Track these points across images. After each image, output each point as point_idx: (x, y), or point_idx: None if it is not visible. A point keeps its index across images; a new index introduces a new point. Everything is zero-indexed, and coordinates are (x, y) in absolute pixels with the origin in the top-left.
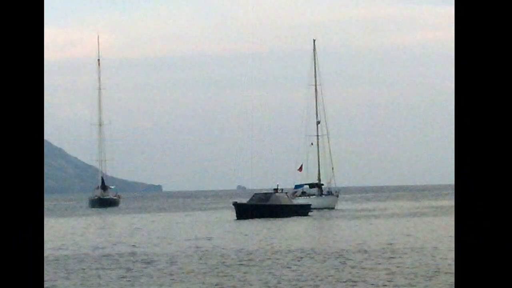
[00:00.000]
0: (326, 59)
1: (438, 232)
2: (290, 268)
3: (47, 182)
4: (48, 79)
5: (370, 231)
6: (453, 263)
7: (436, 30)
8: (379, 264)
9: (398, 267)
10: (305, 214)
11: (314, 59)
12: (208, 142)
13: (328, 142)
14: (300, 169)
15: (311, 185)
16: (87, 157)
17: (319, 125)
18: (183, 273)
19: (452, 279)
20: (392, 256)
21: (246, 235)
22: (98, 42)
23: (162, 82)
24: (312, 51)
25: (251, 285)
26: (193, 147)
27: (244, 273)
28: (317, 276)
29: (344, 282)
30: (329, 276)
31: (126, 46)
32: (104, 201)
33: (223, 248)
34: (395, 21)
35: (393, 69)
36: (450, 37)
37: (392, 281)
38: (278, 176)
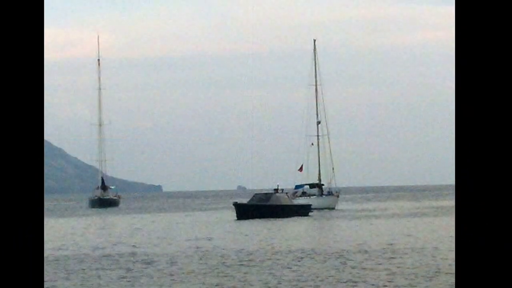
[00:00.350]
0: (326, 59)
1: (439, 232)
2: (290, 268)
3: (47, 182)
4: (48, 79)
5: (370, 232)
6: (454, 263)
7: (436, 30)
8: (380, 264)
9: (398, 267)
10: (306, 215)
11: (314, 59)
12: (208, 142)
13: (329, 142)
14: (301, 169)
15: (312, 185)
16: (87, 157)
17: (319, 125)
18: (183, 273)
19: (452, 280)
20: (392, 256)
21: (246, 235)
22: (98, 42)
23: (162, 82)
24: (312, 51)
25: (251, 285)
26: (193, 147)
27: (245, 273)
28: (317, 277)
29: (345, 282)
30: (329, 276)
31: (126, 46)
32: (104, 201)
33: (223, 249)
34: (395, 21)
35: (393, 69)
36: (450, 37)
37: (393, 282)
38: (278, 176)
